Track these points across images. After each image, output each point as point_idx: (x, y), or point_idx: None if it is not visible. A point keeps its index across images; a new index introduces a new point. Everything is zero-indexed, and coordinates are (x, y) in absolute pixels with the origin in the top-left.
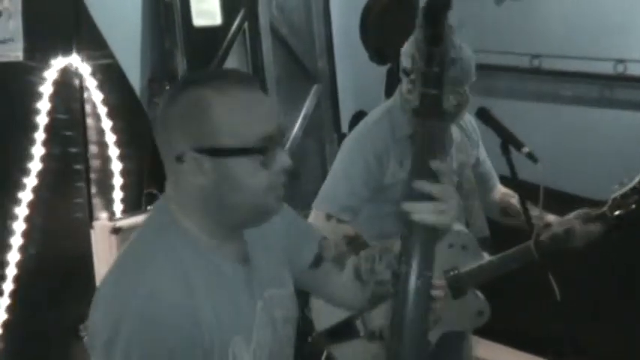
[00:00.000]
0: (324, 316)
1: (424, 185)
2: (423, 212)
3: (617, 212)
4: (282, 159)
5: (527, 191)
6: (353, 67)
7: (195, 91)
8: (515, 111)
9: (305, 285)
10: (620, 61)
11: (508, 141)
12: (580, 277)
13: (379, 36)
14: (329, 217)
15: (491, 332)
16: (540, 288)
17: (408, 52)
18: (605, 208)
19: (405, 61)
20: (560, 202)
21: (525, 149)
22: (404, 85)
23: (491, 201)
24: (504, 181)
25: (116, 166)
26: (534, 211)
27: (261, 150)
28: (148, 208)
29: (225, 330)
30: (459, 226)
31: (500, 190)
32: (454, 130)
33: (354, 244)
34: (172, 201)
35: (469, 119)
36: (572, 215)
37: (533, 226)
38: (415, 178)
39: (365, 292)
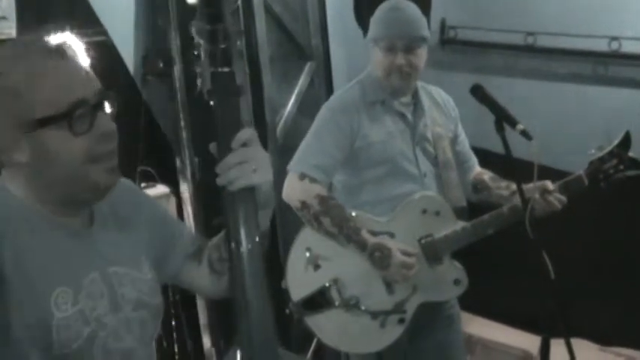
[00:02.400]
0: (300, 286)
1: (230, 159)
2: (238, 178)
3: (593, 177)
4: (100, 123)
5: (521, 169)
6: (347, 44)
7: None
8: (509, 88)
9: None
10: (615, 38)
11: (502, 118)
12: (573, 254)
13: (373, 13)
14: (302, 176)
15: (485, 309)
16: (533, 265)
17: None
18: (581, 172)
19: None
20: (555, 179)
21: (519, 126)
22: (373, 54)
23: (468, 181)
24: (498, 158)
25: None
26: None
27: (66, 115)
28: (142, 185)
29: (49, 280)
30: (431, 192)
31: (477, 170)
32: (426, 104)
33: (327, 204)
34: (6, 178)
35: (447, 98)
36: (535, 185)
37: (524, 194)
38: (224, 155)
39: (221, 282)
